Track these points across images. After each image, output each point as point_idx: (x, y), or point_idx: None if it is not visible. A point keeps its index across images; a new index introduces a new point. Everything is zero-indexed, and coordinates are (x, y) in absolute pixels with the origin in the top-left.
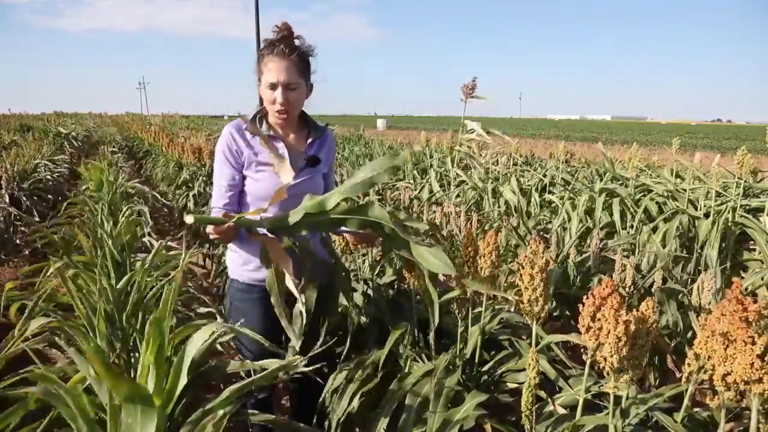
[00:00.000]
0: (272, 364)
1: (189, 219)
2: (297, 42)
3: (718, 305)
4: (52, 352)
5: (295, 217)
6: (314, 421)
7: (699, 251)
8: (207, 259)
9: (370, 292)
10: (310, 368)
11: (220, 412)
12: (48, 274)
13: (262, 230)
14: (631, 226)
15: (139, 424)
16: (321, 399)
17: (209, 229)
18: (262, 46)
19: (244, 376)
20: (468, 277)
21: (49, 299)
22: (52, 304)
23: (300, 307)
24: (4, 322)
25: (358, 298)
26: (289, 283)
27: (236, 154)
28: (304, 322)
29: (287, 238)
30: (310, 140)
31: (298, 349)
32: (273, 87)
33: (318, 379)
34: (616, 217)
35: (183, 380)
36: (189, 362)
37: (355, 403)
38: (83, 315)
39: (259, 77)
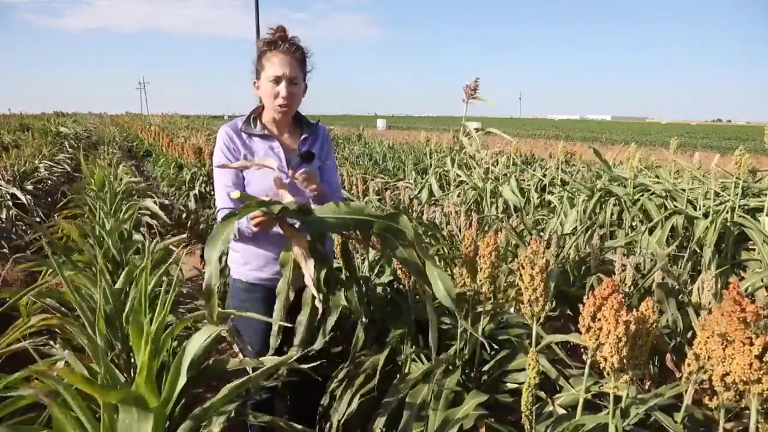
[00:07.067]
0: (270, 360)
1: (235, 194)
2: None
3: (719, 306)
4: (52, 351)
5: (329, 213)
6: (316, 420)
7: (699, 251)
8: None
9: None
10: (309, 366)
11: (219, 418)
12: (47, 273)
13: (292, 222)
14: (630, 226)
15: (135, 425)
16: (321, 400)
17: (246, 221)
18: (261, 45)
19: (246, 371)
20: (469, 279)
21: (51, 295)
22: (54, 300)
23: (311, 308)
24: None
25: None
26: (309, 281)
27: (235, 153)
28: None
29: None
30: (303, 137)
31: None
32: (277, 81)
33: (317, 378)
34: (615, 217)
35: (182, 380)
36: (188, 362)
37: (355, 404)
38: (82, 314)
39: (258, 74)
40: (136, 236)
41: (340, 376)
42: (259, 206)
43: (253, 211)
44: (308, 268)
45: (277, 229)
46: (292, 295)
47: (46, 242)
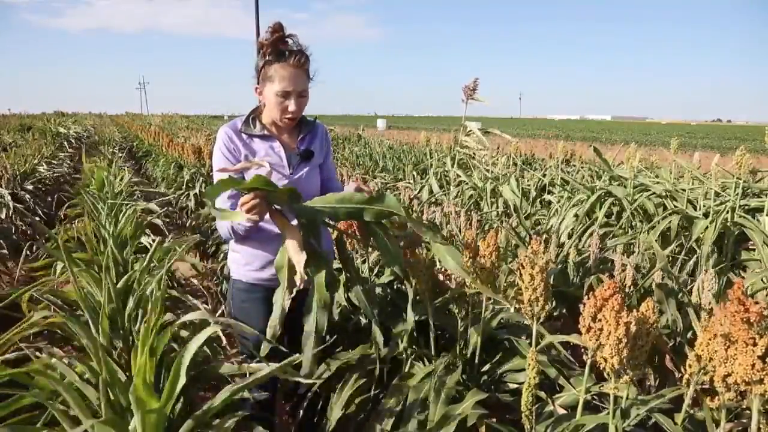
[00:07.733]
0: (265, 368)
1: (223, 174)
2: (290, 41)
3: (720, 306)
4: (53, 349)
5: (319, 203)
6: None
7: (699, 251)
8: (204, 260)
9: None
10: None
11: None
12: (51, 270)
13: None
14: (630, 226)
15: (137, 424)
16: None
17: (242, 204)
18: (266, 51)
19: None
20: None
21: (53, 293)
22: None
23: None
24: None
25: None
26: (297, 278)
27: (235, 153)
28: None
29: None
30: (301, 136)
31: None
32: (286, 95)
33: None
34: (615, 217)
35: (182, 380)
36: (188, 362)
37: (354, 404)
38: (86, 313)
39: (261, 81)
40: (137, 236)
41: (329, 374)
42: (248, 185)
43: (245, 195)
44: (298, 259)
45: (275, 229)
46: (287, 305)
47: (52, 243)
